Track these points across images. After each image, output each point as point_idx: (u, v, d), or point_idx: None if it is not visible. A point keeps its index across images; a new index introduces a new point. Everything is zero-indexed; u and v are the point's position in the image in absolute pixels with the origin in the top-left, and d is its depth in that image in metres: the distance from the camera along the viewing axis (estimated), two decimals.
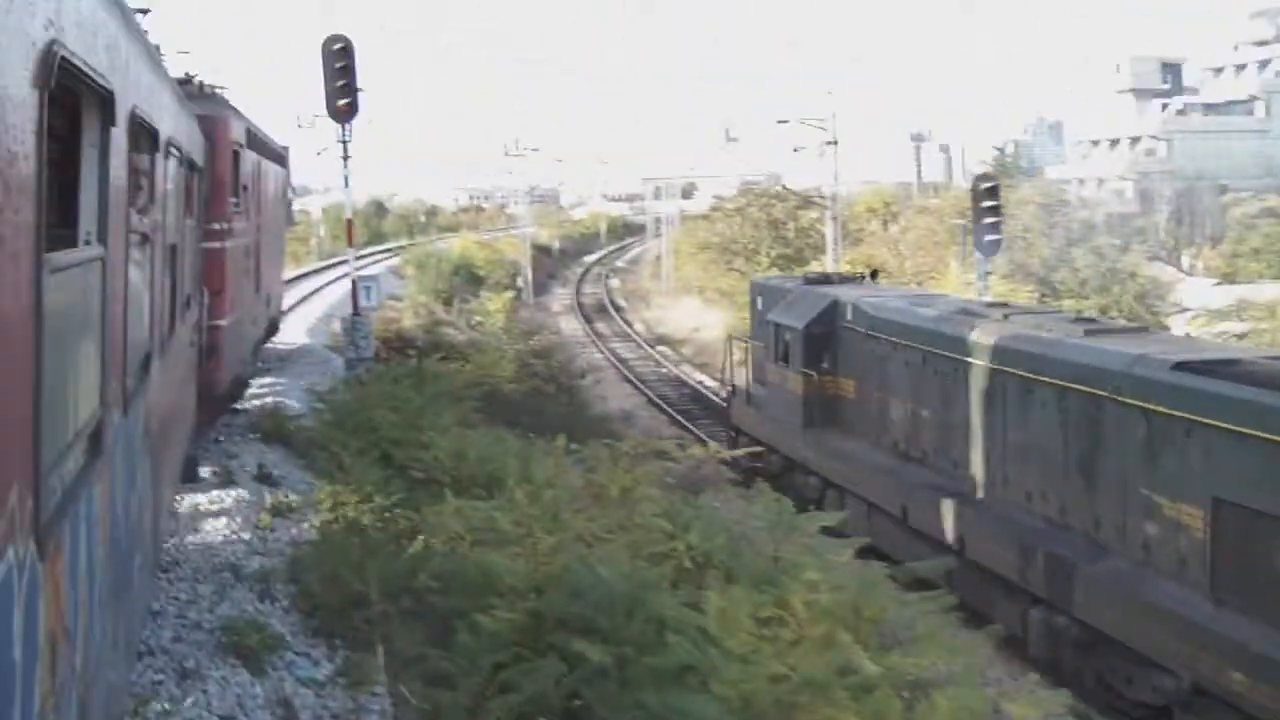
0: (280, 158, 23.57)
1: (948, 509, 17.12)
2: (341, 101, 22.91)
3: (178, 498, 11.59)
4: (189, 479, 12.58)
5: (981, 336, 17.18)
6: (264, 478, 14.15)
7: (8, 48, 2.87)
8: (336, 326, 28.37)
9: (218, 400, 15.66)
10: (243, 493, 13.23)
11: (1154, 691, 12.77)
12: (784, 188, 51.94)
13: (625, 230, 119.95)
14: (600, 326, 55.43)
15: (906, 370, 19.25)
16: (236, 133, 15.53)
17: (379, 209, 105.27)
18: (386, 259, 63.32)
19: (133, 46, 5.31)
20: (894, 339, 19.65)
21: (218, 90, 16.36)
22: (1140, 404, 13.59)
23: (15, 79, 2.98)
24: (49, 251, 3.55)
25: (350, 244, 28.83)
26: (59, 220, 5.26)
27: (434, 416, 16.52)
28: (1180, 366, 13.37)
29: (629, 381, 40.35)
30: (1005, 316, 17.97)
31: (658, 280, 70.66)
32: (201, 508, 12.39)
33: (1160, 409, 13.20)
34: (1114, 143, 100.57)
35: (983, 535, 16.26)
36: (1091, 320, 18.91)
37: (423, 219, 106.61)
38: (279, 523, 12.30)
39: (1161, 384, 13.29)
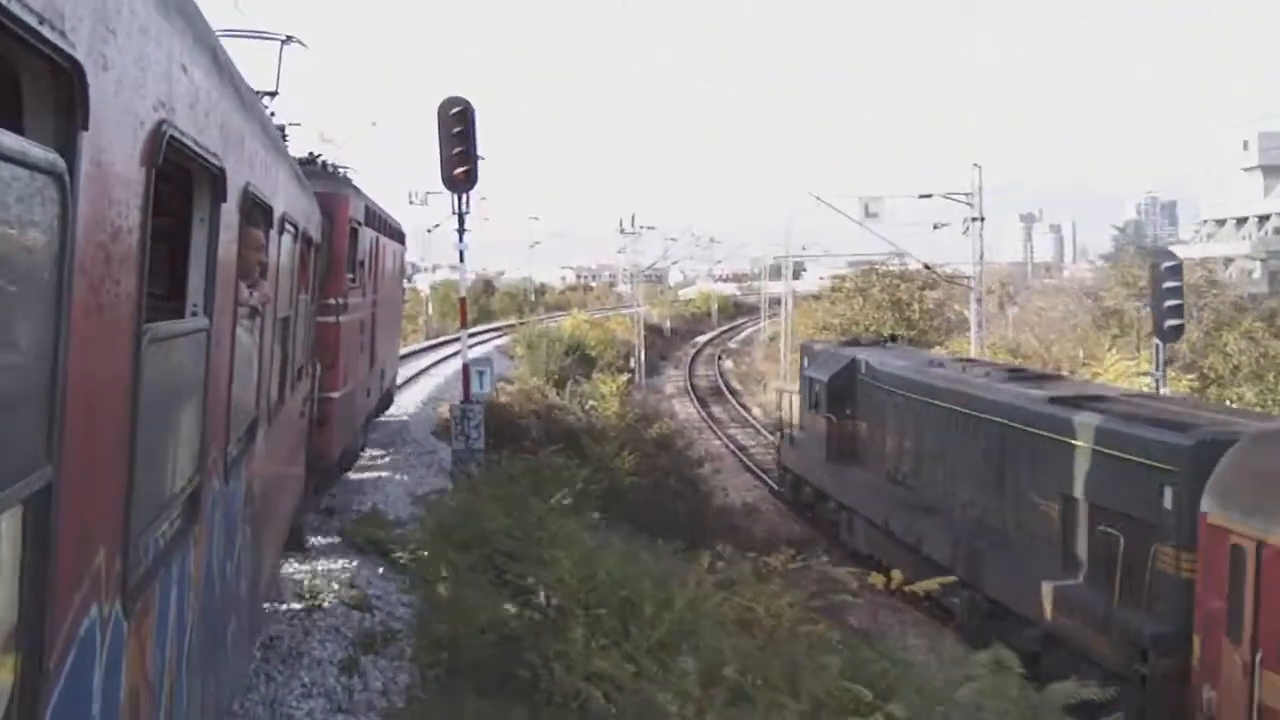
0: (398, 235, 24.18)
1: (912, 519, 22.59)
2: (459, 170, 20.92)
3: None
4: (295, 547, 12.79)
5: (938, 382, 23.03)
6: (358, 604, 12.05)
7: (115, 126, 3.02)
8: (444, 410, 26.61)
9: (328, 470, 15.98)
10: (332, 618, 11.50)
11: (1027, 640, 16.38)
12: (925, 266, 49.46)
13: (736, 310, 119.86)
14: (715, 410, 54.78)
15: (895, 412, 24.62)
16: (355, 210, 15.98)
17: (487, 287, 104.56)
18: (495, 338, 61.71)
19: (247, 125, 5.53)
20: (890, 388, 24.98)
21: (340, 169, 16.90)
22: (1025, 428, 18.71)
23: (122, 157, 3.13)
24: (152, 322, 3.69)
25: (463, 324, 26.06)
26: (170, 293, 5.48)
27: (554, 523, 15.20)
28: (1053, 400, 18.66)
29: (749, 470, 38.96)
30: (963, 368, 23.98)
31: (773, 362, 69.13)
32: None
33: (1038, 431, 18.27)
34: (1241, 221, 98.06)
35: (934, 537, 21.57)
36: (1020, 370, 25.41)
37: (533, 297, 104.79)
38: (369, 664, 10.42)
39: (1040, 414, 18.47)
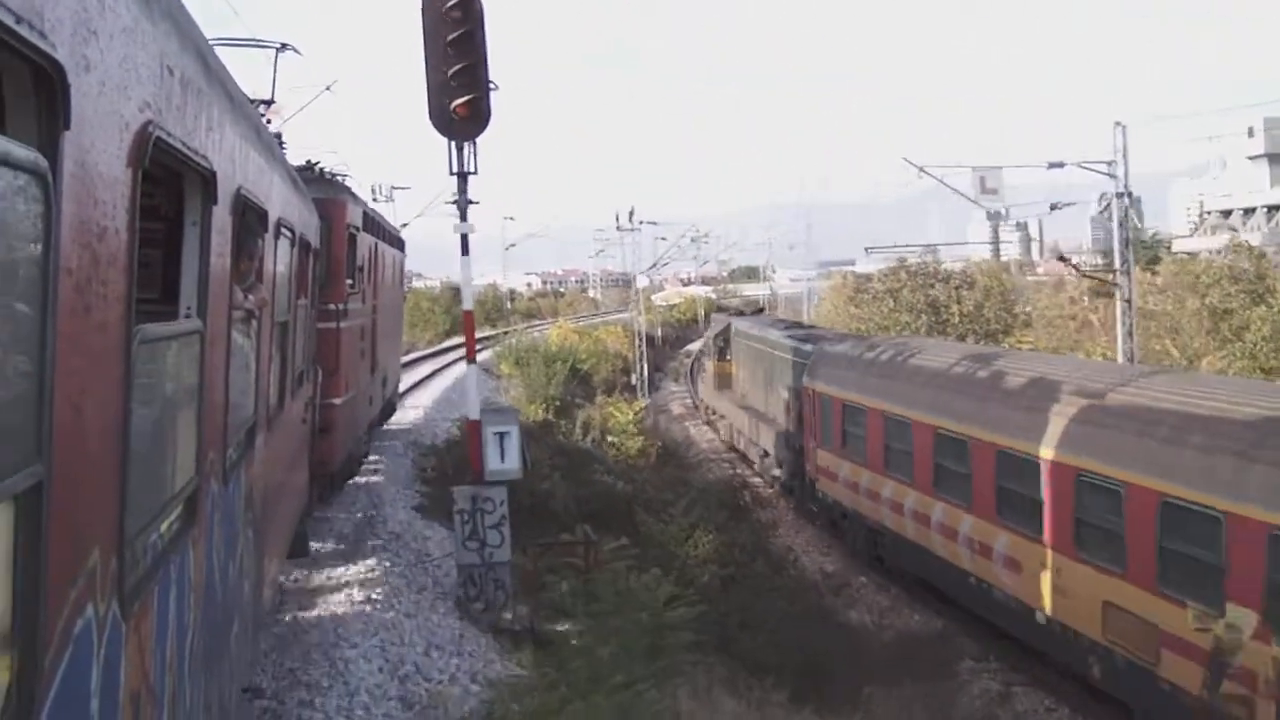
0: (397, 241, 24.20)
1: (750, 419, 35.97)
2: (459, 101, 13.21)
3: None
4: (299, 553, 12.80)
5: (755, 332, 37.39)
6: None
7: (99, 126, 3.04)
8: (428, 461, 22.43)
9: (331, 477, 16.00)
10: None
11: (766, 466, 34.44)
12: (1061, 258, 44.14)
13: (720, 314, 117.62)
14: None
15: (743, 355, 38.79)
16: (353, 216, 16.00)
17: (455, 294, 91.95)
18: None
19: (239, 129, 5.54)
20: (743, 341, 39.17)
21: (337, 175, 16.93)
22: (774, 352, 32.71)
23: (107, 157, 3.14)
24: (145, 323, 3.71)
25: (471, 353, 16.07)
26: (165, 296, 5.50)
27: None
28: (787, 336, 32.52)
29: (811, 522, 28.32)
30: (770, 324, 38.96)
31: None
32: None
33: (777, 353, 32.13)
34: (1249, 212, 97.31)
35: (754, 428, 35.30)
36: (789, 322, 43.27)
37: (508, 305, 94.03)
38: None
39: (780, 343, 32.14)
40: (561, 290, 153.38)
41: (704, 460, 38.69)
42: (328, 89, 26.38)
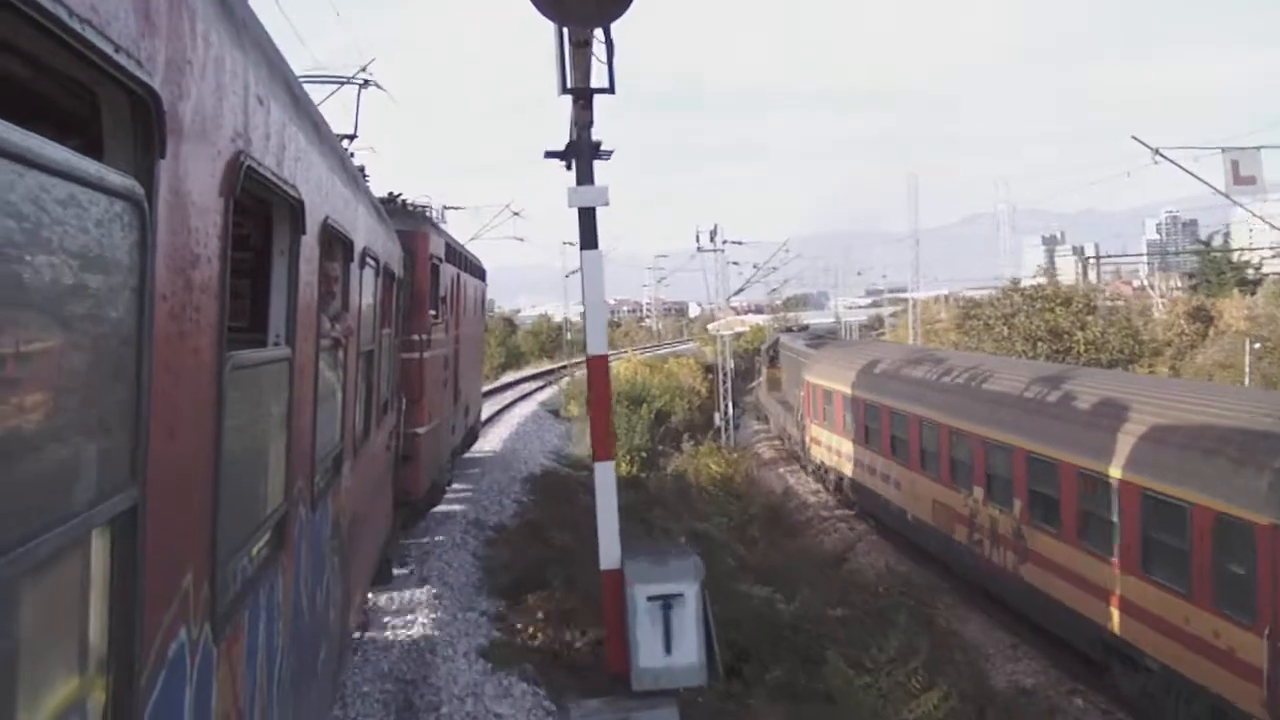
0: (478, 271, 24.43)
1: (782, 413, 45.72)
2: None
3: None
4: (383, 580, 12.88)
5: (788, 343, 47.97)
6: None
7: (193, 155, 3.09)
8: (488, 554, 17.18)
9: (415, 505, 16.12)
10: None
11: (784, 438, 48.63)
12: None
13: None
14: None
15: (785, 362, 46.64)
16: (436, 247, 16.17)
17: (508, 325, 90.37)
18: (534, 387, 49.22)
19: (325, 159, 5.62)
20: (784, 352, 47.81)
21: (420, 208, 17.14)
22: (791, 354, 45.39)
23: (201, 185, 3.19)
24: (236, 350, 3.75)
25: (603, 449, 10.47)
26: (253, 325, 5.57)
27: None
28: (806, 342, 44.81)
29: (981, 607, 21.90)
30: (802, 334, 55.51)
31: None
32: None
33: (792, 355, 44.48)
34: None
35: (787, 418, 43.98)
36: (813, 332, 58.94)
37: (568, 336, 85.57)
38: None
39: (797, 348, 43.70)
40: (618, 320, 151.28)
41: (813, 520, 31.84)
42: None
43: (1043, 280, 75.31)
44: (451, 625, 13.58)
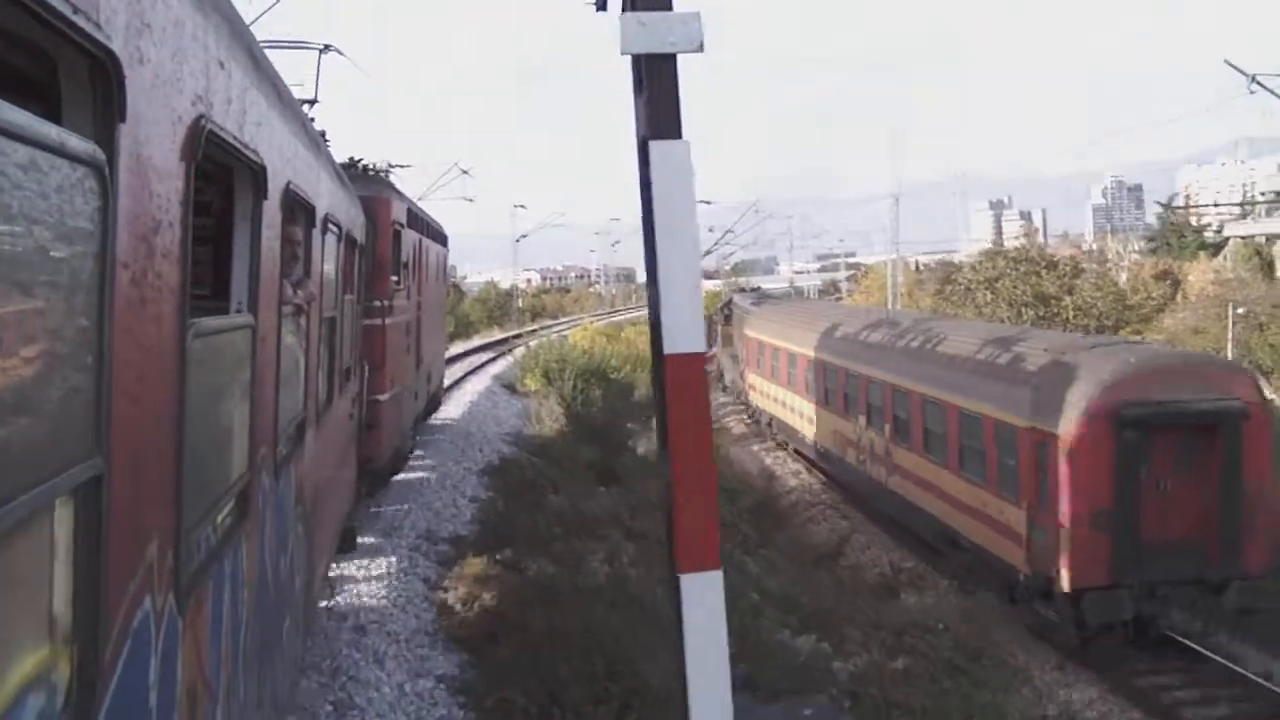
0: (440, 237, 24.28)
1: (732, 367, 49.39)
2: None
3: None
4: (346, 549, 12.85)
5: (739, 302, 50.81)
6: None
7: (154, 119, 3.03)
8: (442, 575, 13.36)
9: (378, 472, 16.07)
10: None
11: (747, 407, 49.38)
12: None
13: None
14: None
15: (736, 320, 48.35)
16: (398, 212, 16.05)
17: (455, 292, 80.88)
18: (485, 359, 44.18)
19: (287, 124, 5.55)
20: (737, 311, 48.99)
21: (381, 172, 17.00)
22: (743, 312, 47.00)
23: (162, 150, 3.14)
24: (198, 317, 3.71)
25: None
26: (215, 292, 5.51)
27: None
28: (751, 300, 50.00)
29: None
30: (749, 295, 55.91)
31: None
32: None
33: (743, 313, 46.80)
34: None
35: (732, 372, 49.51)
36: (758, 291, 67.02)
37: (519, 304, 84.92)
38: None
39: (745, 306, 48.06)
40: (567, 287, 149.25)
41: (799, 505, 30.36)
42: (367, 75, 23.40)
43: (989, 246, 75.16)
44: (399, 706, 9.72)
